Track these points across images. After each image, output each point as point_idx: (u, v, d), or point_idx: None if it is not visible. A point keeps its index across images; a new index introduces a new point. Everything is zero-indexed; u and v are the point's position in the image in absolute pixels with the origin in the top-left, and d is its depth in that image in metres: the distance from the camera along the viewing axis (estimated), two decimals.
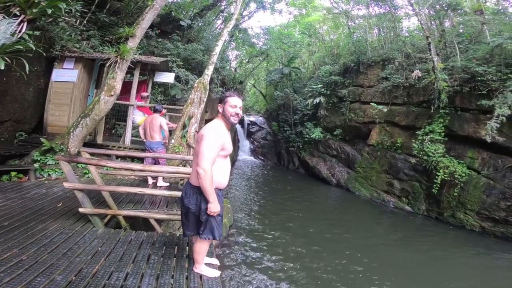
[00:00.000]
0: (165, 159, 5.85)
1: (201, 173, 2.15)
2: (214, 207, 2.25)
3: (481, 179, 7.90)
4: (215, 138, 2.24)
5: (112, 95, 6.48)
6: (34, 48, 4.37)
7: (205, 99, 8.42)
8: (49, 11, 4.65)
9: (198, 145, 2.27)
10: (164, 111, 6.10)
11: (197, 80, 8.62)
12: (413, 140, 9.36)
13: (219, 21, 18.66)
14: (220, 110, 2.39)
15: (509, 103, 7.11)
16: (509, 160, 7.56)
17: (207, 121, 13.29)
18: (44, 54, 6.25)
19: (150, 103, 8.48)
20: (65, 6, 4.98)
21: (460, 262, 6.10)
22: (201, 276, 2.55)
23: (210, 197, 2.21)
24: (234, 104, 2.36)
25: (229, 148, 2.36)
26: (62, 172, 5.35)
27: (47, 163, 5.59)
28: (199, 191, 2.32)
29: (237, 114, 2.38)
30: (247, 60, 23.34)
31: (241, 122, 20.23)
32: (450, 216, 8.32)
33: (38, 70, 7.38)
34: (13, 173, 5.19)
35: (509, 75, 7.39)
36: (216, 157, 2.25)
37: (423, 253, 6.36)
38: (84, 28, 8.68)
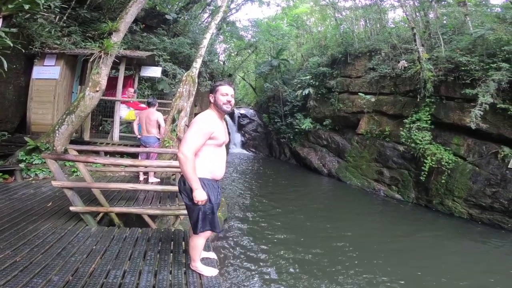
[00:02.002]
0: (157, 154, 5.76)
1: (181, 157, 2.10)
2: (198, 194, 2.14)
3: (467, 165, 8.09)
4: (202, 125, 2.19)
5: (97, 91, 6.32)
6: (11, 45, 4.18)
7: (194, 93, 8.32)
8: (26, 7, 4.44)
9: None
10: (157, 104, 5.93)
11: (185, 73, 8.49)
12: (401, 128, 9.54)
13: (206, 15, 18.39)
14: (212, 100, 2.34)
15: (492, 92, 7.31)
16: (492, 146, 7.77)
17: (196, 115, 13.21)
18: (23, 51, 6.00)
19: (137, 98, 8.31)
20: (43, 2, 4.76)
21: (449, 249, 6.18)
22: None
23: (193, 184, 2.12)
24: (225, 92, 2.30)
25: (221, 137, 2.30)
26: (49, 172, 5.21)
27: (33, 162, 5.43)
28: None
29: (229, 101, 2.31)
30: (235, 53, 23.14)
31: (232, 115, 20.09)
32: (438, 204, 8.49)
33: (18, 68, 7.11)
34: None
35: (491, 65, 7.57)
36: (200, 145, 2.19)
37: (412, 242, 6.47)
38: (64, 24, 8.40)
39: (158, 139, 5.75)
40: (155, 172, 5.73)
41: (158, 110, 8.55)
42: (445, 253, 6.00)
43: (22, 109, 7.30)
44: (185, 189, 2.24)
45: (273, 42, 19.62)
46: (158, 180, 5.74)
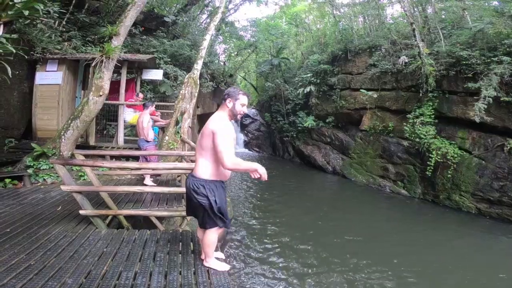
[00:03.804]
0: (156, 156, 5.70)
1: (232, 167, 2.24)
2: (260, 169, 2.21)
3: (473, 159, 8.04)
4: (229, 133, 2.29)
5: (101, 95, 6.35)
6: (14, 51, 4.23)
7: (196, 94, 8.36)
8: (26, 13, 4.49)
9: (208, 140, 2.29)
10: (152, 107, 5.87)
11: (187, 75, 8.54)
12: (404, 124, 9.54)
13: (204, 16, 18.41)
14: (229, 105, 2.41)
15: (494, 85, 7.29)
16: (498, 139, 7.72)
17: (199, 116, 13.21)
18: (25, 57, 6.07)
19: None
20: (42, 8, 4.81)
21: (458, 245, 6.12)
22: (208, 270, 2.57)
23: (250, 168, 2.24)
24: (244, 103, 2.43)
25: (234, 140, 2.43)
26: (57, 176, 5.26)
27: (41, 168, 5.50)
28: (207, 184, 2.36)
29: (243, 112, 2.47)
30: (235, 53, 23.14)
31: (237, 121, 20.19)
32: (446, 199, 8.43)
33: (21, 74, 7.17)
34: (7, 180, 5.10)
35: (492, 58, 7.57)
36: (233, 147, 2.33)
37: (420, 238, 6.42)
38: (64, 29, 8.45)
39: (148, 141, 5.62)
40: (151, 175, 5.68)
41: (161, 113, 8.67)
42: (454, 249, 5.95)
43: (27, 115, 7.36)
44: (201, 192, 2.34)
45: (273, 41, 19.62)
46: (155, 185, 5.61)
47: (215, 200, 2.35)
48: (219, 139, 2.24)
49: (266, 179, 2.23)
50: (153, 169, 4.81)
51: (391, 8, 15.12)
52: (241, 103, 2.41)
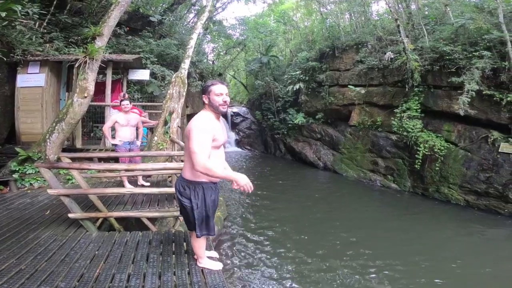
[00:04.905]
0: (127, 158, 5.30)
1: (203, 170, 2.04)
2: (239, 179, 2.03)
3: (459, 151, 8.23)
4: (203, 131, 2.10)
5: (85, 97, 6.22)
6: None
7: (184, 94, 8.29)
8: (3, 14, 4.35)
9: (188, 141, 2.15)
10: (124, 101, 5.37)
11: (174, 75, 8.46)
12: (392, 118, 9.70)
13: (192, 15, 18.28)
14: (206, 101, 2.24)
15: (477, 79, 7.51)
16: (482, 131, 7.94)
17: (188, 116, 13.09)
18: (5, 59, 5.87)
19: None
20: (20, 9, 4.66)
21: (448, 238, 6.18)
22: (202, 270, 2.57)
23: (229, 177, 2.08)
24: (219, 92, 2.20)
25: (220, 138, 2.26)
26: (44, 181, 5.13)
27: (27, 172, 5.36)
28: (192, 185, 2.26)
29: (225, 102, 2.22)
30: (224, 51, 23.05)
31: (225, 114, 20.06)
32: (435, 191, 8.58)
33: (1, 76, 6.95)
34: None
35: (474, 53, 7.77)
36: (209, 148, 2.14)
37: (411, 232, 6.49)
38: (45, 31, 8.20)
39: (115, 144, 5.26)
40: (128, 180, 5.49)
41: (149, 113, 8.54)
42: (445, 241, 6.03)
43: (9, 119, 7.14)
44: (185, 193, 2.27)
45: (261, 39, 19.62)
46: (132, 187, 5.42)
47: (197, 204, 2.25)
48: (193, 137, 2.07)
49: (249, 190, 2.03)
50: (143, 170, 4.74)
51: (376, 5, 15.40)
52: (216, 94, 2.19)
